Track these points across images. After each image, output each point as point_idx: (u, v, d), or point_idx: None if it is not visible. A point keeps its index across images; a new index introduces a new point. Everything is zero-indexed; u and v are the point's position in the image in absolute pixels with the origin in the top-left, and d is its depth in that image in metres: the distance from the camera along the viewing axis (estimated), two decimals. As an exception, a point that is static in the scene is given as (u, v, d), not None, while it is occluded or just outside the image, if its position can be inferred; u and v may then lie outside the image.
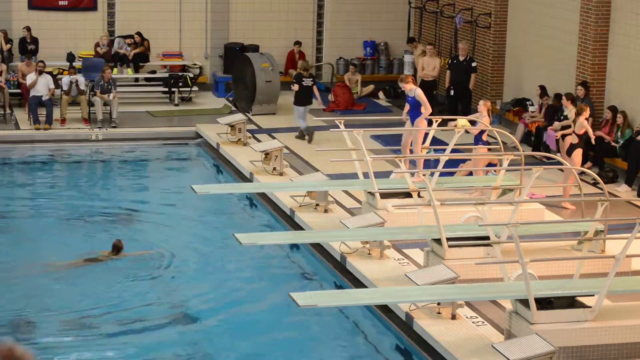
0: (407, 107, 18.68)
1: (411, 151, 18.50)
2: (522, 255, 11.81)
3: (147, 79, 26.12)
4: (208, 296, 14.88)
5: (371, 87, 26.60)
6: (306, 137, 21.94)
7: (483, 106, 18.20)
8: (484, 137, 18.21)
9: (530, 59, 23.38)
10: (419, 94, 18.17)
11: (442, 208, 14.72)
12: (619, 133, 19.81)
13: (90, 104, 23.41)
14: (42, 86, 22.90)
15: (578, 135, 18.14)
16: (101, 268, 15.69)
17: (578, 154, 18.09)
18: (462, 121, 18.63)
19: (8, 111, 23.51)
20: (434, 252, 14.38)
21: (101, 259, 15.88)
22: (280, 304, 13.92)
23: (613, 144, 19.77)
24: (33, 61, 24.04)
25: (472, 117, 18.80)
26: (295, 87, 22.37)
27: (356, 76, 26.40)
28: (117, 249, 15.92)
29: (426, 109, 18.25)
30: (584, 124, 18.14)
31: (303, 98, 22.31)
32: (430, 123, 17.92)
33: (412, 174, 16.60)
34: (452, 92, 23.90)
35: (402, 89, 19.11)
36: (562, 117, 20.31)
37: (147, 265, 15.89)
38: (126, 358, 13.03)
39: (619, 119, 19.81)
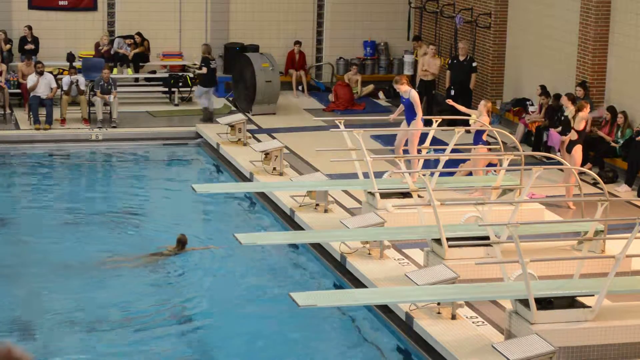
0: (400, 108, 18.55)
1: (405, 151, 18.40)
2: (522, 255, 11.81)
3: (147, 79, 26.12)
4: (207, 296, 14.88)
5: (371, 86, 26.61)
6: (206, 114, 23.69)
7: (483, 106, 18.19)
8: (484, 137, 18.21)
9: (530, 59, 23.38)
10: (413, 95, 18.00)
11: (442, 208, 14.72)
12: (619, 133, 19.82)
13: (90, 104, 23.41)
14: (43, 86, 22.90)
15: (577, 132, 18.13)
16: (104, 269, 15.70)
17: (578, 150, 18.05)
18: (473, 115, 18.55)
19: (8, 111, 23.51)
20: (434, 252, 14.38)
21: (165, 253, 15.98)
22: (280, 304, 13.92)
23: (613, 144, 19.77)
24: (33, 61, 24.03)
25: (471, 117, 18.78)
26: (204, 70, 23.94)
27: (357, 76, 26.40)
28: (181, 243, 15.98)
29: (417, 112, 18.03)
30: (583, 117, 18.04)
31: (210, 80, 24.01)
32: (430, 123, 17.89)
33: (409, 174, 16.56)
34: (452, 92, 23.89)
35: (397, 90, 18.86)
36: (562, 117, 20.29)
37: (146, 265, 15.88)
38: (125, 359, 13.03)
39: (619, 119, 19.81)
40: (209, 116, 23.70)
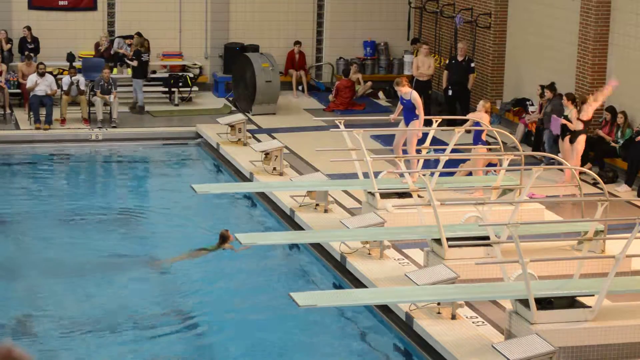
0: (399, 108, 18.50)
1: (404, 152, 18.38)
2: (522, 255, 11.81)
3: (147, 79, 26.09)
4: (208, 296, 14.88)
5: (369, 84, 26.53)
6: (137, 108, 24.39)
7: (482, 106, 18.20)
8: (483, 137, 18.21)
9: (530, 59, 23.37)
10: (415, 97, 17.97)
11: (442, 208, 14.72)
12: (619, 133, 19.82)
13: (90, 104, 23.41)
14: (43, 86, 22.90)
15: (583, 122, 18.18)
16: (105, 269, 15.70)
17: (581, 140, 18.08)
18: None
19: (8, 111, 23.51)
20: (434, 252, 14.38)
21: (210, 249, 16.01)
22: (281, 304, 13.92)
23: (613, 144, 19.77)
24: (33, 61, 24.05)
25: (470, 118, 18.75)
26: (135, 62, 24.42)
27: (357, 75, 26.38)
28: (224, 238, 16.00)
29: (420, 113, 17.96)
30: (588, 110, 18.14)
31: (142, 71, 24.54)
32: (430, 123, 17.88)
33: (407, 174, 16.54)
34: (449, 92, 23.89)
35: (398, 92, 18.69)
36: (562, 117, 20.28)
37: (146, 265, 15.90)
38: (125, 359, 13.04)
39: (620, 119, 19.82)
40: (140, 109, 24.24)
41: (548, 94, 21.02)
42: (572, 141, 18.20)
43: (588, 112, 18.25)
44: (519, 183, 16.20)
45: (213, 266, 15.96)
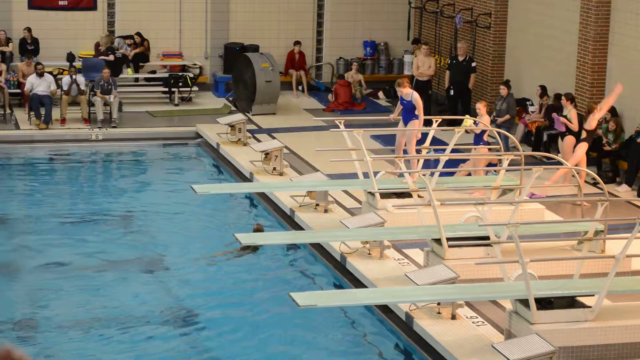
0: (399, 108, 18.48)
1: (405, 152, 18.38)
2: (522, 255, 11.82)
3: (147, 79, 26.13)
4: (208, 296, 14.87)
5: (356, 76, 26.28)
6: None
7: (483, 107, 18.22)
8: (485, 137, 18.21)
9: (530, 59, 23.37)
10: (416, 97, 17.96)
11: (442, 208, 14.72)
12: (611, 136, 19.80)
13: (90, 104, 23.42)
14: (43, 86, 22.91)
15: (587, 131, 18.23)
16: (104, 269, 15.70)
17: (582, 146, 18.10)
18: (467, 121, 18.59)
19: (8, 111, 23.51)
20: (434, 252, 14.38)
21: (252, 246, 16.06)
22: (280, 304, 13.92)
23: (607, 147, 19.74)
24: (33, 61, 24.05)
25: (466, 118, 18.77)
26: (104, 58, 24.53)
27: (358, 76, 26.35)
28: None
29: (420, 114, 17.93)
30: (591, 122, 18.20)
31: (115, 69, 24.55)
32: (430, 123, 17.88)
33: (406, 174, 16.53)
34: (451, 92, 23.89)
35: (399, 93, 18.63)
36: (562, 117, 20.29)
37: (147, 265, 15.90)
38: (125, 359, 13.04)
39: (611, 126, 19.79)
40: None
41: (503, 90, 21.10)
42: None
43: (591, 122, 18.24)
44: (519, 183, 16.20)
45: (213, 266, 15.96)
